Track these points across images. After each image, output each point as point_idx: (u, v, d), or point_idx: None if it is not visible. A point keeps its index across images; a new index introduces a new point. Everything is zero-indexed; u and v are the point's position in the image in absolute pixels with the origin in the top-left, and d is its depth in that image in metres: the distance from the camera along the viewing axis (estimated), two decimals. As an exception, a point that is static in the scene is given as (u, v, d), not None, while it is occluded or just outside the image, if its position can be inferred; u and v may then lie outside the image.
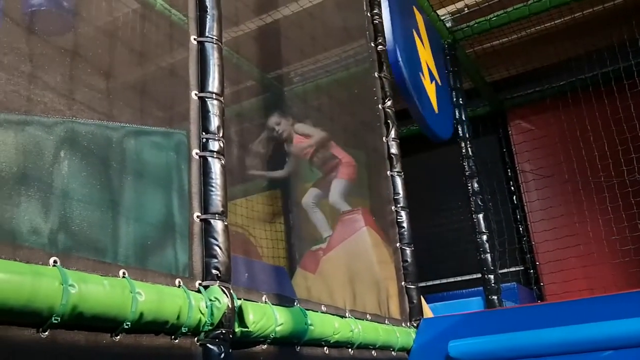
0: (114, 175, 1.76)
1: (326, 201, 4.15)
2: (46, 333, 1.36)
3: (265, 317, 1.98)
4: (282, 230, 5.23)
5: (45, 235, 1.46)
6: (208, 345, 1.79)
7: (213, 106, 2.08)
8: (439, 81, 4.66)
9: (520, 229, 6.50)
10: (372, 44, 3.81)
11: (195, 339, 1.79)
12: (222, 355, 1.80)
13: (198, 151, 2.01)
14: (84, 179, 1.63)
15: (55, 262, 1.41)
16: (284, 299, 2.27)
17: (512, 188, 6.69)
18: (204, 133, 2.03)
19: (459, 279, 6.20)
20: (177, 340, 1.72)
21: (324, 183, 4.27)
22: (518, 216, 6.55)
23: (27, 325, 1.32)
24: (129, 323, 1.53)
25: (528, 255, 6.35)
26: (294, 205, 5.29)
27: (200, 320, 1.76)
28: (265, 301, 2.11)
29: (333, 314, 2.50)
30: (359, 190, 3.68)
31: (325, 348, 2.39)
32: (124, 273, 1.59)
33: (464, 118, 5.40)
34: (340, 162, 4.16)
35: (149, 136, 1.94)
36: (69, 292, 1.36)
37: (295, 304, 2.29)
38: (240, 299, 1.95)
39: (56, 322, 1.35)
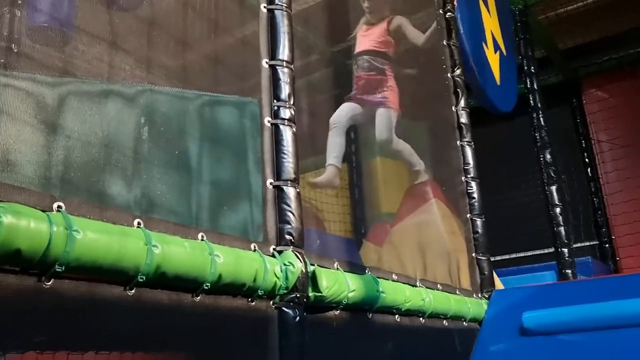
0: (192, 142, 1.80)
1: (367, 135, 3.58)
2: (132, 291, 1.42)
3: (337, 283, 1.99)
4: (348, 205, 5.23)
5: (129, 199, 1.51)
6: (283, 308, 1.82)
7: (284, 74, 2.09)
8: (504, 51, 4.49)
9: (595, 201, 6.25)
10: (441, 11, 3.71)
11: (271, 302, 1.82)
12: (297, 318, 1.83)
13: (270, 119, 2.02)
14: (163, 145, 1.68)
15: (139, 223, 1.46)
16: (355, 267, 2.28)
17: (587, 159, 6.42)
18: (275, 101, 2.04)
19: (530, 253, 6.03)
20: (253, 303, 1.76)
21: (364, 107, 3.52)
22: (593, 188, 6.29)
23: (116, 283, 1.38)
24: (208, 284, 1.58)
25: (603, 229, 6.10)
26: (360, 179, 5.28)
27: (275, 284, 1.79)
28: (337, 268, 2.12)
29: (404, 283, 2.49)
30: (427, 161, 3.61)
31: (396, 316, 2.39)
32: (202, 236, 1.63)
33: (535, 87, 5.20)
34: (391, 88, 3.44)
35: (224, 104, 1.97)
36: (152, 252, 1.41)
37: (367, 272, 2.29)
38: (313, 264, 1.97)
39: (141, 280, 1.40)
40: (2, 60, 1.40)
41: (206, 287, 1.58)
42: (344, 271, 2.12)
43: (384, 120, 3.38)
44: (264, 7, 2.12)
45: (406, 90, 3.49)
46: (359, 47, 3.61)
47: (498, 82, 4.25)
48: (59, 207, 1.27)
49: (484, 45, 4.07)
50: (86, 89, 1.52)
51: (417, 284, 2.60)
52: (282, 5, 2.13)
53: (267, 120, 2.02)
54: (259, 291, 1.74)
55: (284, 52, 2.09)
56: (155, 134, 1.66)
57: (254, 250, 1.79)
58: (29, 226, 1.17)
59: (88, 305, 1.34)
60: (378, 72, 3.51)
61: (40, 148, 1.34)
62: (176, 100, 1.79)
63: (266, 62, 2.09)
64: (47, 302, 1.25)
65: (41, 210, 1.23)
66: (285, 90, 2.07)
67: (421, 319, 2.54)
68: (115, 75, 1.62)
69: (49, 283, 1.24)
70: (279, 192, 1.95)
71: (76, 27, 2.25)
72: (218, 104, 1.95)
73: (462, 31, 3.62)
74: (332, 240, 2.89)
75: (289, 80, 2.09)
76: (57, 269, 1.23)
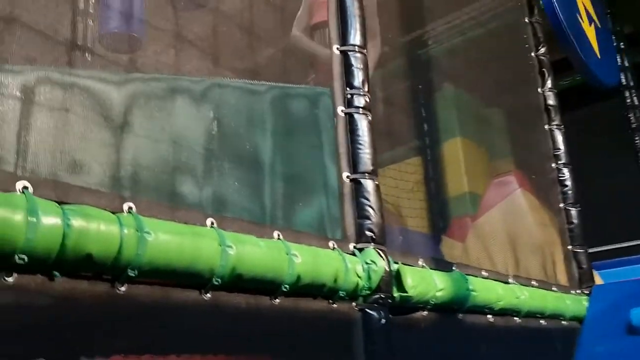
0: (264, 137, 1.71)
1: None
2: (208, 295, 1.34)
3: (424, 281, 1.85)
4: (424, 199, 5.04)
5: (201, 197, 1.44)
6: (367, 310, 1.70)
7: (356, 59, 1.96)
8: (598, 23, 4.16)
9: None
10: (519, -15, 3.48)
11: (353, 303, 1.70)
12: (382, 321, 1.70)
13: (343, 108, 1.91)
14: (234, 140, 1.60)
15: (212, 223, 1.38)
16: (441, 264, 2.13)
17: (687, 141, 5.90)
18: (348, 89, 1.93)
19: (628, 244, 5.59)
20: (335, 305, 1.65)
21: None
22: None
23: (191, 286, 1.31)
24: (287, 286, 1.48)
25: None
26: (436, 172, 5.07)
27: (357, 284, 1.67)
28: (423, 265, 1.98)
29: (495, 280, 2.31)
30: (512, 148, 3.38)
31: (489, 316, 2.21)
32: (278, 235, 1.54)
33: (626, 65, 4.82)
34: None
35: (294, 95, 1.87)
36: (227, 253, 1.33)
37: (453, 269, 2.14)
38: (396, 262, 1.84)
39: (217, 283, 1.32)
40: (68, 60, 1.35)
41: (285, 289, 1.48)
42: (430, 268, 1.97)
43: None
44: (333, -10, 2.01)
45: (488, 72, 3.28)
46: None
47: (599, 56, 3.93)
48: (129, 208, 1.21)
49: (578, 17, 3.76)
50: (154, 86, 1.46)
51: (510, 280, 2.41)
52: (352, -12, 2.01)
53: (340, 109, 1.90)
54: (340, 292, 1.63)
55: (355, 37, 1.97)
56: (226, 129, 1.58)
57: (333, 249, 1.68)
58: (99, 229, 1.11)
59: (164, 310, 1.27)
60: None
61: (109, 148, 1.29)
62: (246, 94, 1.71)
63: (337, 48, 1.98)
64: (123, 308, 1.19)
65: (111, 212, 1.17)
66: (358, 77, 1.95)
67: (516, 318, 2.34)
68: (185, 71, 1.56)
69: (123, 288, 1.18)
70: (357, 185, 1.83)
71: (147, 27, 2.24)
72: (289, 96, 1.86)
73: (555, 3, 3.33)
74: (414, 236, 2.74)
75: (361, 66, 1.96)
76: (130, 273, 1.16)
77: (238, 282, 1.38)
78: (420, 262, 1.98)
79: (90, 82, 1.37)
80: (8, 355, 1.06)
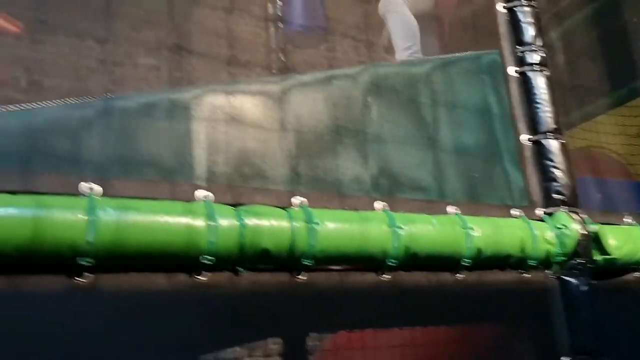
0: (429, 112, 1.69)
1: None
2: (387, 276, 1.38)
3: (630, 240, 1.67)
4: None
5: (367, 182, 1.49)
6: (565, 277, 1.60)
7: (524, 14, 1.83)
8: None
9: None
10: None
11: (548, 271, 1.61)
12: (585, 287, 1.58)
13: (515, 68, 1.80)
14: (397, 121, 1.61)
15: (382, 207, 1.42)
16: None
17: None
18: (518, 47, 1.81)
19: None
20: (526, 275, 1.58)
21: None
22: None
23: (366, 269, 1.37)
24: (467, 260, 1.46)
25: None
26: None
27: (549, 251, 1.58)
28: (630, 223, 1.78)
29: None
30: None
31: None
32: (454, 210, 1.52)
33: None
34: None
35: (459, 64, 1.81)
36: (398, 234, 1.36)
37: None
38: (595, 223, 1.68)
39: (392, 264, 1.36)
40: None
41: (465, 264, 1.46)
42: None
43: None
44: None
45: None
46: None
47: None
48: (297, 201, 1.31)
49: None
50: (311, 79, 1.54)
51: None
52: None
53: (512, 69, 1.80)
54: (529, 261, 1.56)
55: (520, -11, 1.84)
56: (386, 110, 1.60)
57: (517, 217, 1.60)
58: (271, 225, 1.22)
59: (342, 293, 1.35)
60: None
61: (273, 146, 1.40)
62: (405, 71, 1.71)
63: (503, 6, 1.86)
64: (303, 294, 1.30)
65: (280, 207, 1.27)
66: (529, 32, 1.82)
67: None
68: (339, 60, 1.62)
69: (301, 277, 1.28)
70: (538, 147, 1.72)
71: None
72: (452, 65, 1.80)
73: None
74: (623, 189, 2.44)
75: (532, 19, 1.83)
76: (305, 262, 1.25)
77: (414, 261, 1.40)
78: (626, 219, 1.78)
79: (251, 86, 1.49)
80: (248, 337, 1.23)
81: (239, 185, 1.27)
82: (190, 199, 1.18)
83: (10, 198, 0.97)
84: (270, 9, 3.04)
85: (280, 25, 3.06)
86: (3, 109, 1.04)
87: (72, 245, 0.98)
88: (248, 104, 1.43)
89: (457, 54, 1.82)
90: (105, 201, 1.04)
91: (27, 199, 0.98)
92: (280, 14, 3.06)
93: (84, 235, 0.99)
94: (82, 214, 1.00)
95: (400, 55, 2.46)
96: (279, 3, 3.03)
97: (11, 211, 0.95)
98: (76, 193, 1.03)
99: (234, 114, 1.37)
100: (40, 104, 1.07)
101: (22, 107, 1.05)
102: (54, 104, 1.10)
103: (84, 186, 1.04)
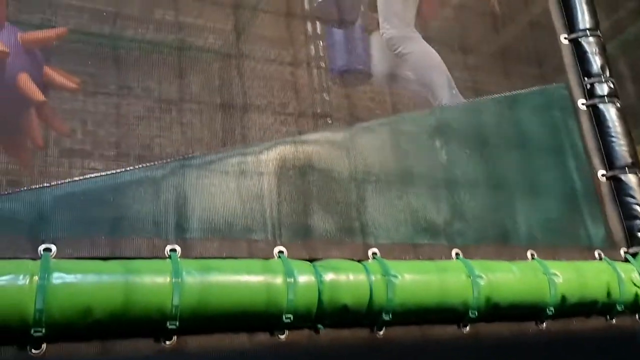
0: (498, 152, 1.63)
1: None
2: (467, 328, 1.31)
3: None
4: None
5: (441, 229, 1.43)
6: (654, 322, 1.50)
7: (589, 44, 1.78)
8: None
9: None
10: None
11: (637, 316, 1.51)
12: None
13: (584, 101, 1.73)
14: (467, 163, 1.55)
15: (457, 254, 1.36)
16: None
17: None
18: (586, 78, 1.75)
19: None
20: (613, 321, 1.49)
21: None
22: None
23: (446, 322, 1.30)
24: (552, 308, 1.38)
25: None
26: None
27: (637, 294, 1.48)
28: None
29: None
30: None
31: None
32: (532, 255, 1.45)
33: None
34: None
35: (525, 100, 1.75)
36: (478, 284, 1.29)
37: None
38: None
39: (473, 316, 1.29)
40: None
41: (550, 312, 1.38)
42: None
43: None
44: (550, -23, 1.85)
45: None
46: None
47: None
48: (374, 254, 1.26)
49: None
50: (375, 125, 1.50)
51: None
52: (571, -32, 1.83)
53: (580, 102, 1.73)
54: (617, 306, 1.46)
55: (584, 20, 1.78)
56: (454, 153, 1.55)
57: (600, 259, 1.51)
58: (349, 280, 1.18)
59: (423, 348, 1.28)
60: None
61: (342, 197, 1.35)
62: (469, 112, 1.66)
63: (565, 37, 1.81)
64: (384, 351, 1.24)
65: (357, 261, 1.23)
66: (596, 63, 1.75)
67: None
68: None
69: (381, 332, 1.23)
70: (616, 183, 1.64)
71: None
72: (519, 102, 1.74)
73: None
74: None
75: (597, 50, 1.76)
76: (385, 318, 1.20)
77: (495, 311, 1.33)
78: None
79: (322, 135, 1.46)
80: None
81: (313, 239, 1.24)
82: (266, 255, 1.15)
83: (102, 265, 0.96)
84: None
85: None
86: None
87: (160, 308, 0.96)
88: (315, 155, 1.40)
89: (522, 90, 1.76)
90: (189, 262, 1.03)
91: (117, 265, 0.97)
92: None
93: (171, 298, 0.97)
94: (168, 277, 0.98)
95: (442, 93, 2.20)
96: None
97: (105, 278, 0.94)
98: (159, 256, 1.02)
99: (301, 166, 1.34)
100: (120, 169, 1.07)
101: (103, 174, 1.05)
102: (133, 169, 1.09)
103: (167, 248, 1.03)
